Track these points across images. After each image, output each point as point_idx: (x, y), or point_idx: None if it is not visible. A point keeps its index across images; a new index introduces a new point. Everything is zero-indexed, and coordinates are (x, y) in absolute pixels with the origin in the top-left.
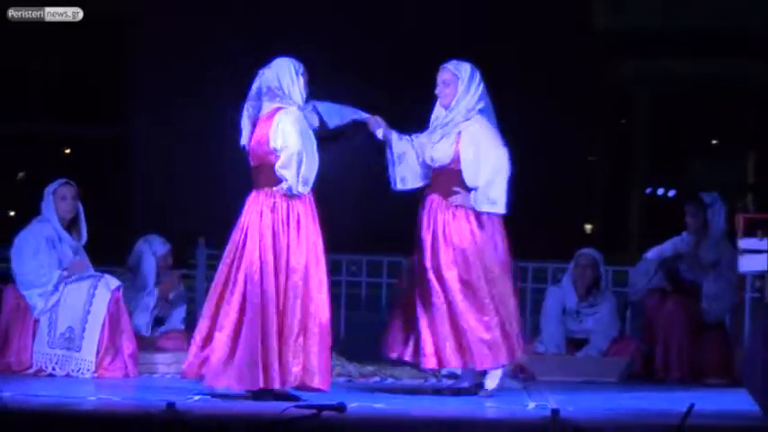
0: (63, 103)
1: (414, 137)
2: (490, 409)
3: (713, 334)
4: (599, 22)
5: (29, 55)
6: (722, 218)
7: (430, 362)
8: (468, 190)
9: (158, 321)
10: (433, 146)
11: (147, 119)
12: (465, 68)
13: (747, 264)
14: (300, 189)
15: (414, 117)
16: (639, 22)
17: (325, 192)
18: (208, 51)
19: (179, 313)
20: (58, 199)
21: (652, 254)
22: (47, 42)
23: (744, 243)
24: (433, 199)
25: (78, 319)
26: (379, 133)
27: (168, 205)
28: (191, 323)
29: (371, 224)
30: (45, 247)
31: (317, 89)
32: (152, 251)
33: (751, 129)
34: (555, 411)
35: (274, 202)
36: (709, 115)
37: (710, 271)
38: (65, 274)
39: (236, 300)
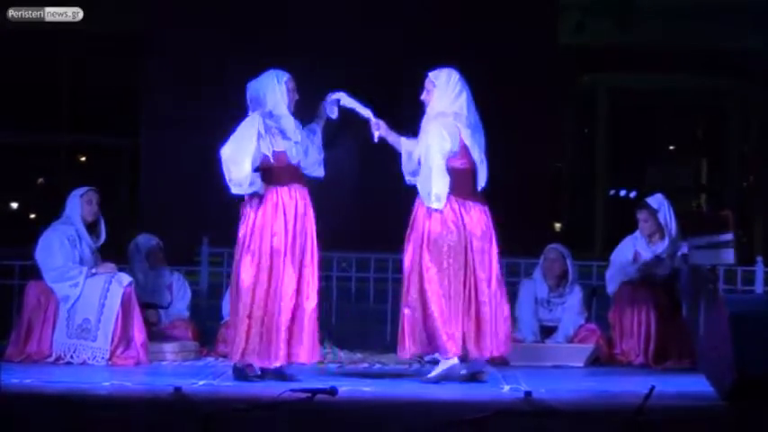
0: (80, 115)
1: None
2: (469, 391)
3: (674, 322)
4: (562, 39)
5: (51, 70)
6: (674, 218)
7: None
8: None
9: (157, 307)
10: None
11: (156, 130)
12: (440, 75)
13: (699, 258)
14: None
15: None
16: (596, 39)
17: (320, 193)
18: (214, 68)
19: (183, 303)
20: (85, 202)
21: (618, 258)
22: (66, 58)
23: (695, 240)
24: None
25: (94, 312)
26: (376, 135)
27: (174, 208)
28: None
29: (360, 223)
30: (68, 244)
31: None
32: (138, 248)
33: (701, 136)
34: (528, 393)
35: None
36: (664, 124)
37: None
38: (93, 271)
39: None
